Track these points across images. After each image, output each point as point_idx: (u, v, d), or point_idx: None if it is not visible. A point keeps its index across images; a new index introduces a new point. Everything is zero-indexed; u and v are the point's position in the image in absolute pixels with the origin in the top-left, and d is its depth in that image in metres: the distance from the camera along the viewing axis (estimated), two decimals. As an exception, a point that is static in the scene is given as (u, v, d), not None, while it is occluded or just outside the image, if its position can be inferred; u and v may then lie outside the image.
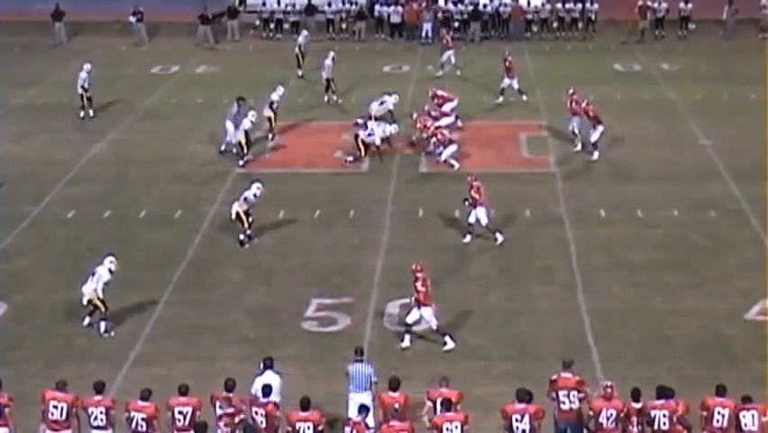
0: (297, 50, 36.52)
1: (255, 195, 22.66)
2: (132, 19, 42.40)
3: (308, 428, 14.16)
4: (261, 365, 15.34)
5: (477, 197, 22.34)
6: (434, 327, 18.47)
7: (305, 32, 37.74)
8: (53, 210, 24.94)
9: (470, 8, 42.56)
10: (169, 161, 28.25)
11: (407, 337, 18.54)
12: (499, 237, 22.64)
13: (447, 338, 18.49)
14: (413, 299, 18.46)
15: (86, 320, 19.23)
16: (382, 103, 29.62)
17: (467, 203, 22.49)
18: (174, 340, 18.95)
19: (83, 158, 28.55)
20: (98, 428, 14.60)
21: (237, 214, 22.55)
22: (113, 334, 19.02)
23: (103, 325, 19.03)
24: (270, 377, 15.03)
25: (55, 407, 14.62)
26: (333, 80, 33.09)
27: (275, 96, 29.55)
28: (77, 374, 16.99)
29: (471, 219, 22.56)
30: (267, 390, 14.69)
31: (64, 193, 26.05)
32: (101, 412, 14.55)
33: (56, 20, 42.36)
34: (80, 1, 43.71)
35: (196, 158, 28.40)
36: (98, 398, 14.67)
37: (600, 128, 27.33)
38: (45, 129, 31.15)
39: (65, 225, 24.12)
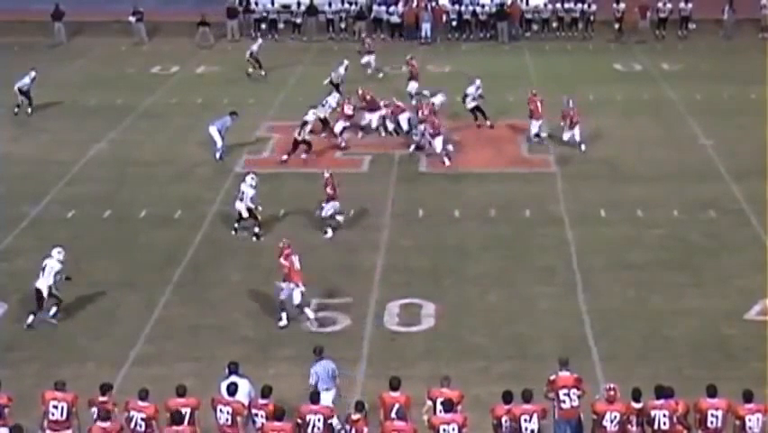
0: (249, 56, 36.28)
1: (252, 185, 22.92)
2: (132, 19, 42.39)
3: (319, 420, 14.20)
4: (226, 370, 15.32)
5: (331, 192, 22.91)
6: (296, 303, 19.11)
7: (260, 41, 37.54)
8: (53, 210, 24.94)
9: (496, 8, 42.63)
10: (169, 161, 28.25)
11: (284, 315, 19.13)
12: (329, 233, 23.05)
13: (283, 315, 19.07)
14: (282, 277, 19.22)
15: (30, 318, 19.19)
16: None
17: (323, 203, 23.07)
18: (174, 340, 18.95)
19: (83, 158, 28.54)
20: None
21: (248, 210, 22.81)
22: (56, 321, 19.24)
23: (53, 309, 19.33)
24: (236, 380, 15.03)
25: (55, 407, 14.62)
26: (340, 87, 32.90)
27: (333, 102, 29.60)
28: (77, 374, 16.99)
29: (324, 213, 23.04)
30: (232, 387, 14.70)
31: (64, 193, 26.04)
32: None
33: (56, 20, 42.37)
34: (80, 1, 43.71)
35: (195, 158, 28.39)
36: (103, 399, 14.67)
37: (577, 129, 27.75)
38: (45, 129, 31.16)
39: (65, 225, 24.10)
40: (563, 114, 28.44)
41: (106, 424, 14.02)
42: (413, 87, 32.22)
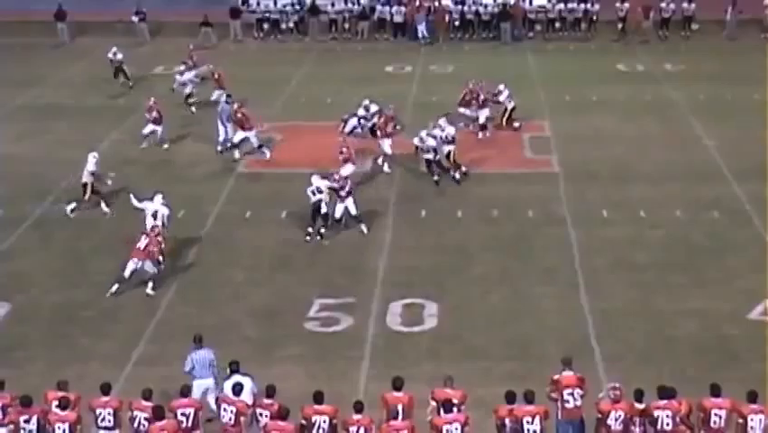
0: (115, 65, 35.55)
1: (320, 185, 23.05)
2: (135, 19, 42.44)
3: (324, 421, 14.19)
4: (228, 370, 15.37)
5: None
6: (126, 275, 20.55)
7: (114, 49, 36.13)
8: (55, 210, 24.93)
9: (499, 8, 42.53)
10: (169, 161, 28.24)
11: (151, 285, 20.61)
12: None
13: (149, 288, 20.55)
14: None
15: (150, 285, 20.63)
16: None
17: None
18: (176, 340, 18.90)
19: (85, 158, 28.48)
20: (106, 428, 14.63)
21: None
22: (154, 293, 20.51)
23: (150, 283, 20.63)
24: (240, 379, 15.09)
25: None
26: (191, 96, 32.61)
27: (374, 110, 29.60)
28: (80, 375, 16.99)
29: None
30: (238, 387, 14.76)
31: (66, 193, 26.02)
32: (108, 413, 14.59)
33: (59, 20, 42.42)
34: (83, 1, 43.69)
35: (196, 157, 28.40)
36: (106, 399, 14.69)
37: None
38: (47, 129, 31.17)
39: (66, 225, 24.11)
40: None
41: (65, 412, 14.29)
42: (217, 94, 31.30)
